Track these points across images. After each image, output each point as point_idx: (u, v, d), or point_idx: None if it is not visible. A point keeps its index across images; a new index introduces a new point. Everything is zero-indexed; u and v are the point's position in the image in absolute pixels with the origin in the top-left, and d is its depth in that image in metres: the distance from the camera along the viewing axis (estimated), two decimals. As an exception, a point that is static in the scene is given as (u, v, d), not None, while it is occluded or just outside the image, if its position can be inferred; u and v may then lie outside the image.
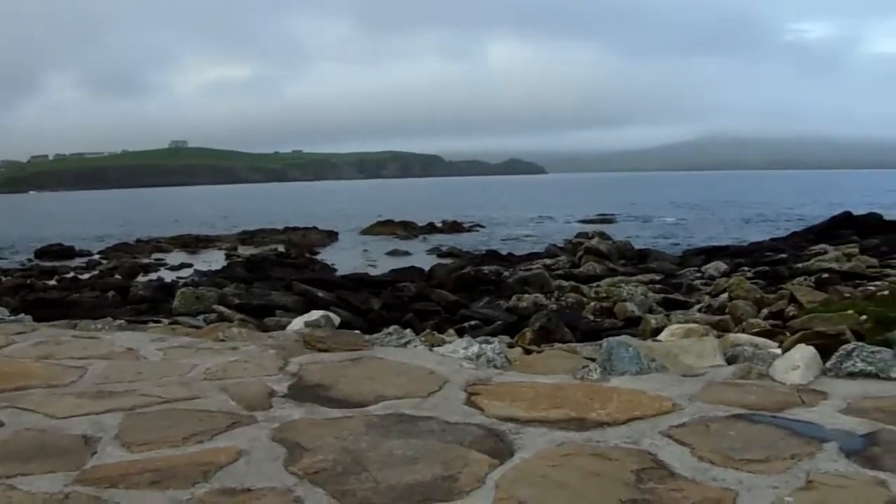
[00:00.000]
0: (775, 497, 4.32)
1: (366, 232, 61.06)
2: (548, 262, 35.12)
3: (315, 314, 9.40)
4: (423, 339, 9.26)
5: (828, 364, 7.06)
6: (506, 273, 30.16)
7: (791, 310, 19.26)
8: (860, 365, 6.83)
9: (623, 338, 8.61)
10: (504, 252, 41.52)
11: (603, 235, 40.94)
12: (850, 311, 13.87)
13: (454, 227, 63.58)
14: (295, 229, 62.57)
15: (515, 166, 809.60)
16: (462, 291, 26.48)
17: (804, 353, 7.06)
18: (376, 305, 23.34)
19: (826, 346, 7.76)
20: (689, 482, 4.50)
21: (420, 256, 42.40)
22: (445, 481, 4.44)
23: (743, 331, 15.61)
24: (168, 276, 37.71)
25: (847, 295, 20.49)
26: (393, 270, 33.12)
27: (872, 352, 7.04)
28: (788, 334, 14.48)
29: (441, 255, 43.39)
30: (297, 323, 9.22)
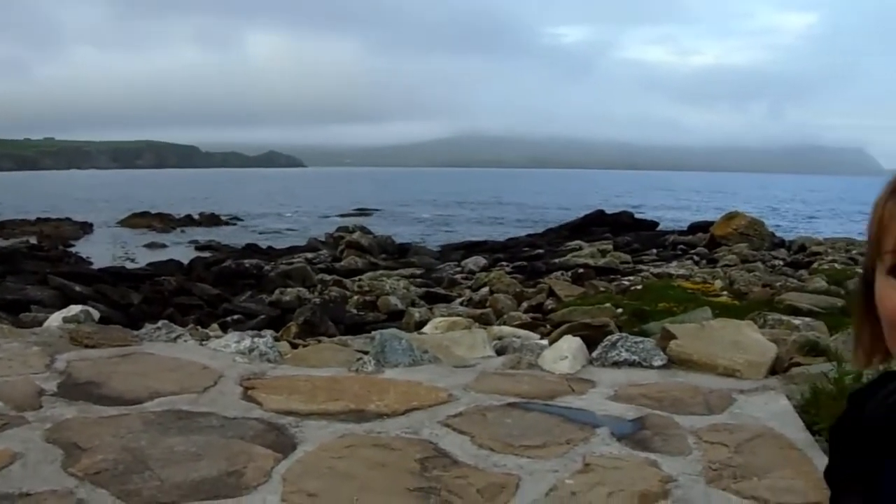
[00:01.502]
0: (556, 480, 4.51)
1: (122, 224, 59.17)
2: (309, 255, 34.93)
3: (74, 309, 9.10)
4: (192, 334, 9.12)
5: (594, 354, 7.37)
6: (267, 267, 29.80)
7: (550, 303, 19.83)
8: (625, 354, 7.17)
9: (394, 330, 8.73)
10: (264, 246, 40.91)
11: (364, 230, 41.00)
12: (607, 305, 14.41)
13: (212, 220, 62.39)
14: (47, 220, 59.77)
15: (274, 159, 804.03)
16: (223, 285, 26.00)
17: (571, 344, 7.34)
18: (136, 300, 22.72)
19: (591, 336, 8.09)
20: (473, 469, 4.64)
21: (178, 249, 41.35)
22: (231, 476, 4.43)
23: (504, 323, 15.95)
24: (-90, 270, 35.53)
25: (602, 289, 21.24)
26: (151, 264, 32.12)
27: (636, 342, 7.39)
28: (549, 326, 14.92)
29: (199, 248, 42.39)
30: (56, 318, 8.88)
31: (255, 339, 7.62)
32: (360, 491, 4.29)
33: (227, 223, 63.06)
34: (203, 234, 50.75)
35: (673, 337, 7.63)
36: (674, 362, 7.23)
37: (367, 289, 23.85)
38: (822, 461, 5.08)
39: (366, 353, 7.48)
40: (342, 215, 72.88)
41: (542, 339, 9.86)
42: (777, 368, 8.03)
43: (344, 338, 12.01)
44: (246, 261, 31.49)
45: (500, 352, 7.91)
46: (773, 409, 6.16)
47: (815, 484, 4.71)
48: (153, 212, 63.22)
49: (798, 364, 8.15)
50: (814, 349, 8.80)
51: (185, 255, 36.85)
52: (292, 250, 38.59)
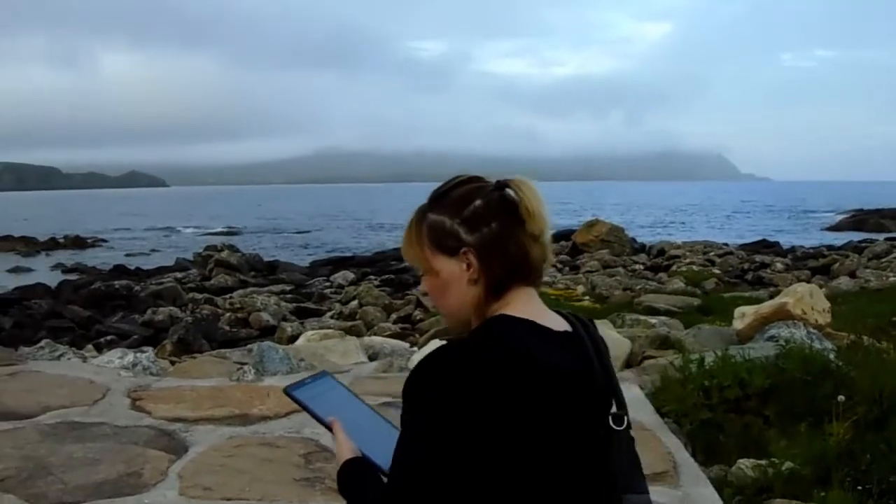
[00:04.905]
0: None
1: (-16, 248, 57.95)
2: (179, 275, 34.76)
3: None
4: (75, 351, 9.37)
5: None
6: (137, 287, 29.71)
7: (418, 314, 20.38)
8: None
9: (270, 342, 9.13)
10: (132, 267, 40.49)
11: (232, 248, 40.87)
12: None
13: (77, 243, 61.23)
14: None
15: (136, 179, 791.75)
16: (94, 307, 25.81)
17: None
18: (7, 324, 22.44)
19: (458, 340, 8.63)
20: (353, 460, 5.09)
21: (44, 273, 40.53)
22: (131, 477, 4.79)
23: (374, 334, 16.37)
24: None
25: (469, 297, 21.85)
26: (17, 288, 31.47)
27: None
28: (418, 336, 15.40)
29: (66, 270, 41.66)
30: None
31: (138, 355, 7.95)
32: (251, 483, 4.69)
33: (92, 245, 61.99)
34: (69, 257, 49.86)
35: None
36: (535, 361, 7.80)
37: (238, 306, 24.04)
38: (669, 439, 5.71)
39: (244, 364, 7.85)
40: (209, 234, 72.37)
41: (411, 347, 10.34)
42: (632, 362, 8.68)
43: (223, 350, 12.30)
44: (115, 282, 31.26)
45: (372, 358, 8.37)
46: (627, 397, 6.71)
47: (661, 457, 5.28)
48: (16, 235, 61.69)
49: (650, 357, 8.80)
50: (664, 343, 9.48)
51: (52, 278, 36.23)
52: (161, 270, 38.36)
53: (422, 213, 2.06)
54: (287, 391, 2.10)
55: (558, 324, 1.97)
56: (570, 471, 1.85)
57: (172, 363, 10.85)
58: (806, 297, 10.20)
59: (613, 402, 1.96)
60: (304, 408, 2.08)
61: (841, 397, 5.89)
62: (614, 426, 1.93)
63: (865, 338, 8.71)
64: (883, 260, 33.03)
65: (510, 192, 2.01)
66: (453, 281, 1.98)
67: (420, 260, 2.04)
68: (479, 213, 1.98)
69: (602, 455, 1.91)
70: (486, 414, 1.75)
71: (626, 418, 1.97)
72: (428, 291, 2.06)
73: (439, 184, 2.11)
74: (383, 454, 1.95)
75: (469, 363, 1.79)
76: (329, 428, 2.05)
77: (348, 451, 1.99)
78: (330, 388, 2.18)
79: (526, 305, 1.95)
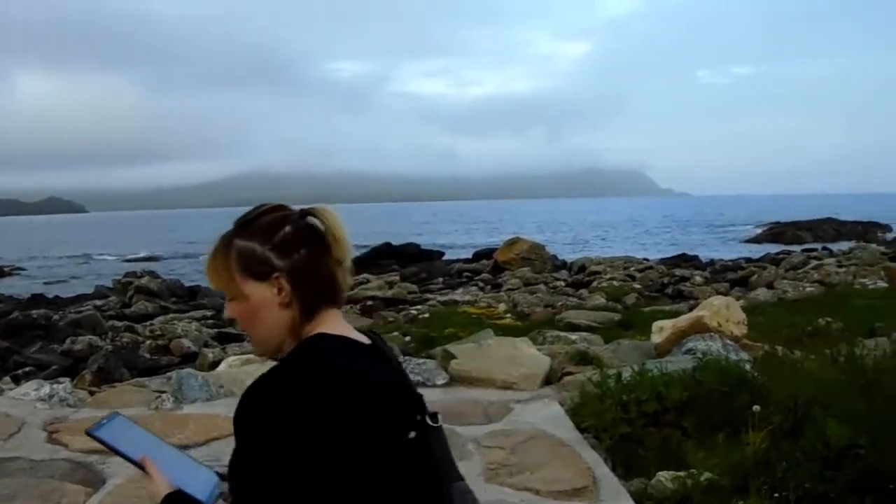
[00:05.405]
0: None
1: None
2: (98, 302, 34.22)
3: None
4: (-12, 385, 9.22)
5: (380, 378, 7.90)
6: (56, 316, 29.16)
7: (342, 335, 20.30)
8: (410, 376, 7.71)
9: (190, 369, 9.04)
10: (50, 295, 39.90)
11: (152, 274, 40.26)
12: (395, 333, 14.96)
13: (-8, 272, 60.55)
14: None
15: (54, 205, 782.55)
16: (11, 338, 25.24)
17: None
18: (-82, 359, 22.06)
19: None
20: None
21: (-42, 305, 40.01)
22: (46, 511, 4.72)
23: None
24: None
25: (391, 319, 21.84)
26: (-69, 321, 31.05)
27: (419, 363, 7.96)
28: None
29: (-18, 301, 41.27)
30: None
31: (55, 386, 7.84)
32: (170, 513, 4.65)
33: (9, 274, 60.95)
34: (-16, 287, 49.04)
35: (453, 357, 8.22)
36: (455, 380, 7.81)
37: (159, 333, 23.73)
38: (588, 454, 5.77)
39: (163, 392, 7.78)
40: (128, 260, 71.50)
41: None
42: (552, 379, 8.74)
43: (141, 379, 12.15)
44: (33, 311, 30.70)
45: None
46: (546, 414, 6.79)
47: (581, 473, 5.33)
48: (-72, 267, 60.53)
49: (570, 373, 8.88)
50: (584, 359, 9.57)
51: (-34, 309, 35.58)
52: (80, 298, 37.79)
53: (228, 239, 2.17)
54: (89, 433, 2.10)
55: (363, 339, 2.13)
56: (398, 473, 1.98)
57: (92, 393, 10.69)
58: (722, 310, 10.36)
59: (422, 404, 2.12)
60: (111, 448, 2.09)
61: (757, 407, 6.00)
62: (433, 423, 2.11)
63: (780, 348, 8.85)
64: (800, 271, 33.61)
65: (315, 220, 2.13)
66: (264, 305, 2.07)
67: (228, 285, 2.13)
68: (290, 240, 2.09)
69: (426, 453, 2.06)
70: (314, 429, 1.86)
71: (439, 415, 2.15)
72: (236, 317, 2.13)
73: (246, 210, 2.25)
74: (196, 487, 2.07)
75: (293, 384, 1.92)
76: (139, 465, 2.09)
77: (165, 487, 2.04)
78: (128, 428, 2.20)
79: (336, 325, 2.10)
